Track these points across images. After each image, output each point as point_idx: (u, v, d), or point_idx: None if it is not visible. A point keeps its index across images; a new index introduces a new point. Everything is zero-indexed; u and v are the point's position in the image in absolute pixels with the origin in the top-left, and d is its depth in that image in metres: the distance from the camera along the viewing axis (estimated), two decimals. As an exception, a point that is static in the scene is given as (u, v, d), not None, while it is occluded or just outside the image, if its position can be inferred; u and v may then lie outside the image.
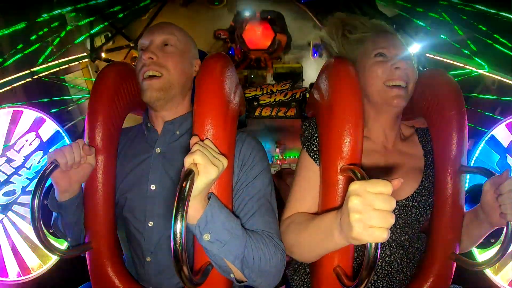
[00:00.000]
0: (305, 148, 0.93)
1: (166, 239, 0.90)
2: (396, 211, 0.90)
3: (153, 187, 0.91)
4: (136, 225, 0.93)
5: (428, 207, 0.94)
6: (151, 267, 0.92)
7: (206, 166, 0.65)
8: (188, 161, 0.65)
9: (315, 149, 0.91)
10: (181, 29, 0.99)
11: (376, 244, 0.56)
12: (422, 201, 0.93)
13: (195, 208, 0.67)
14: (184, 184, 0.60)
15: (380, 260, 0.90)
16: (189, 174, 0.62)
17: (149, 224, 0.91)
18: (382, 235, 0.53)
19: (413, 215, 0.92)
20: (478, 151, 1.35)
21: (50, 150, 1.39)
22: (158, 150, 0.94)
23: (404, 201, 0.91)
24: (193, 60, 1.00)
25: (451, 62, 2.35)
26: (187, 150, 0.67)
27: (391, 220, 0.53)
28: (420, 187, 0.94)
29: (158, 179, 0.91)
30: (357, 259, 0.89)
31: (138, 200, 0.92)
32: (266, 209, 0.83)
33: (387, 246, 0.91)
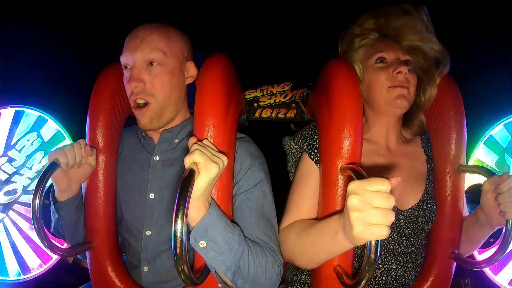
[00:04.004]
0: (305, 151, 0.92)
1: (165, 250, 0.89)
2: (402, 221, 0.89)
3: (152, 195, 0.90)
4: (134, 233, 0.92)
5: (434, 214, 0.92)
6: (149, 277, 0.91)
7: (206, 164, 0.64)
8: (188, 161, 0.65)
9: (315, 150, 0.91)
10: (167, 34, 0.86)
11: (376, 242, 0.56)
12: (428, 209, 0.91)
13: (197, 209, 0.67)
14: (185, 183, 0.60)
15: (385, 275, 0.88)
16: (190, 173, 0.62)
17: (146, 233, 0.90)
18: (382, 232, 0.53)
19: (419, 224, 0.90)
20: (476, 151, 1.35)
21: (51, 150, 1.40)
22: (157, 158, 0.92)
23: (409, 210, 0.90)
24: (186, 65, 0.89)
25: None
26: (186, 153, 0.67)
27: (391, 217, 0.53)
28: (425, 195, 0.92)
29: (157, 187, 0.90)
30: (358, 263, 0.89)
31: (136, 208, 0.92)
32: (266, 220, 0.81)
33: (393, 260, 0.89)
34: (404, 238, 0.89)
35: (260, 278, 0.73)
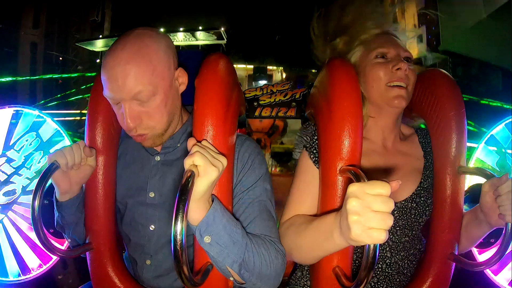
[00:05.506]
0: (306, 149, 0.92)
1: (166, 243, 0.90)
2: (395, 212, 0.90)
3: (151, 194, 0.91)
4: (138, 229, 0.92)
5: (427, 208, 0.94)
6: (150, 270, 0.92)
7: (206, 168, 0.64)
8: (188, 163, 0.65)
9: (314, 151, 0.91)
10: (148, 58, 0.76)
11: (375, 245, 0.56)
12: (421, 202, 0.93)
13: (198, 211, 0.67)
14: (184, 185, 0.60)
15: (380, 262, 0.90)
16: (190, 175, 0.62)
17: (150, 228, 0.91)
18: (380, 237, 0.53)
19: (412, 216, 0.92)
20: (478, 151, 1.35)
21: (50, 151, 1.40)
22: (158, 158, 0.92)
23: (403, 202, 0.92)
24: (174, 75, 0.83)
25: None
26: (186, 154, 0.67)
27: (390, 221, 0.53)
28: (419, 188, 0.94)
29: (157, 186, 0.91)
30: (357, 261, 0.90)
31: (138, 206, 0.92)
32: (267, 214, 0.82)
33: (387, 248, 0.91)
34: (398, 228, 0.91)
35: (265, 270, 0.74)
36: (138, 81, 0.75)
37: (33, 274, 1.42)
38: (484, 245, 1.15)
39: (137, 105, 0.78)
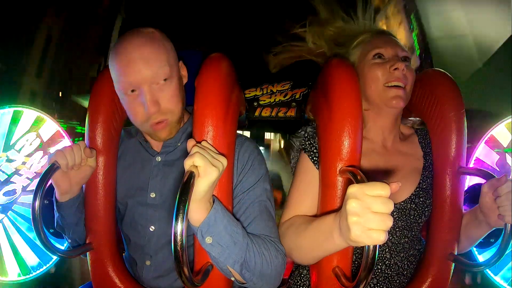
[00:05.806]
0: (305, 151, 0.93)
1: (167, 243, 0.90)
2: (394, 213, 0.90)
3: (152, 195, 0.91)
4: (138, 230, 0.93)
5: (427, 208, 0.94)
6: (150, 271, 0.92)
7: (206, 168, 0.65)
8: (188, 164, 0.65)
9: (314, 151, 0.91)
10: (159, 41, 0.80)
11: (375, 246, 0.57)
12: (420, 202, 0.93)
13: (199, 212, 0.68)
14: (184, 186, 0.60)
15: (380, 263, 0.90)
16: (190, 176, 0.62)
17: (150, 229, 0.91)
18: (380, 238, 0.53)
19: (411, 217, 0.92)
20: (477, 151, 1.35)
21: (50, 151, 1.40)
22: (159, 158, 0.93)
23: (402, 203, 0.92)
24: (179, 64, 0.88)
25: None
26: (187, 154, 0.68)
27: (389, 222, 0.53)
28: (418, 189, 0.94)
29: (158, 187, 0.91)
30: (356, 261, 0.90)
31: (138, 206, 0.93)
32: (267, 214, 0.83)
33: (387, 250, 0.91)
34: (397, 229, 0.91)
35: (266, 269, 0.74)
36: (157, 62, 0.78)
37: (33, 274, 1.42)
38: (484, 245, 1.15)
39: (156, 89, 0.80)
